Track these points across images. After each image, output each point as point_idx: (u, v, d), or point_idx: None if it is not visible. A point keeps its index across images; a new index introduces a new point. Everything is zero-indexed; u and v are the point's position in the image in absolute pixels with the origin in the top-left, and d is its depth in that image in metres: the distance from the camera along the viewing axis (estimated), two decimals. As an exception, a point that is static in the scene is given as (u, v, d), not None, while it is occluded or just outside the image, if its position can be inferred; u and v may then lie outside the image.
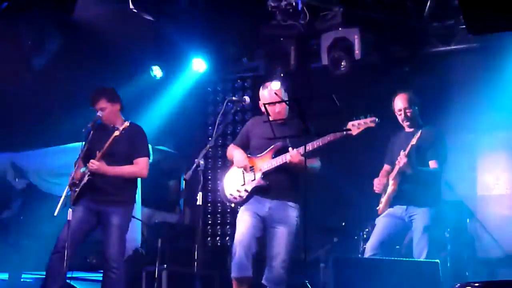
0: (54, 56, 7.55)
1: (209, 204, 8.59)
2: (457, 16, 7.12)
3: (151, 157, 7.96)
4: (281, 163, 5.37)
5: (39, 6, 7.11)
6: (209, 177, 8.57)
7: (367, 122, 5.28)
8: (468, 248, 6.76)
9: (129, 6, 6.81)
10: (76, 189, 5.59)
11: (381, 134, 6.22)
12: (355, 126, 5.27)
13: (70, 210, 5.39)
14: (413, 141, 5.59)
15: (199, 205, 5.21)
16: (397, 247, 6.42)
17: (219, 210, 8.57)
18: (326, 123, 5.28)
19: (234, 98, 5.76)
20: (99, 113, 5.72)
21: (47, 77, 7.68)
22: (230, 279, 5.43)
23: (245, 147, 5.65)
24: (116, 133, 5.53)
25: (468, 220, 6.75)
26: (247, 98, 5.66)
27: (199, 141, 8.33)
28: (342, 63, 7.29)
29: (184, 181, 5.13)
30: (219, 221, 8.57)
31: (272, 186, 5.41)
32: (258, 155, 5.51)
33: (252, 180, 5.46)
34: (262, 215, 5.42)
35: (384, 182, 5.77)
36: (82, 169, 5.66)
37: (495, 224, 7.08)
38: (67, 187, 5.54)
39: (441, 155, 5.74)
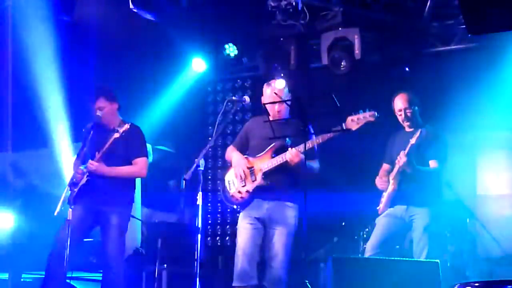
0: (54, 56, 7.55)
1: (209, 204, 8.59)
2: (457, 16, 7.12)
3: (151, 157, 7.98)
4: (280, 162, 5.36)
5: (39, 6, 7.11)
6: (209, 177, 8.57)
7: (366, 116, 5.27)
8: (468, 248, 6.76)
9: (129, 6, 6.81)
10: (75, 189, 5.59)
11: (381, 134, 6.23)
12: (354, 121, 5.27)
13: (70, 210, 5.38)
14: (413, 140, 5.59)
15: (199, 205, 5.22)
16: (397, 247, 6.42)
17: (219, 210, 8.57)
18: (326, 122, 5.28)
19: (234, 98, 5.75)
20: (98, 113, 5.72)
21: (48, 77, 7.68)
22: (230, 279, 5.43)
23: (244, 147, 5.65)
24: (116, 135, 5.53)
25: (468, 220, 6.76)
26: (247, 98, 5.65)
27: (199, 141, 8.32)
28: (342, 63, 7.29)
29: (184, 181, 5.13)
30: (219, 221, 8.57)
31: (272, 186, 5.41)
32: (257, 155, 5.51)
33: (253, 181, 5.46)
34: (260, 217, 5.42)
35: (386, 181, 5.77)
36: (82, 167, 5.65)
37: (495, 224, 7.08)
38: (67, 187, 5.54)
39: (441, 155, 5.75)
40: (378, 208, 5.82)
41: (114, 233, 5.60)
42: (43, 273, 5.70)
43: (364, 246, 6.07)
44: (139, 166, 5.75)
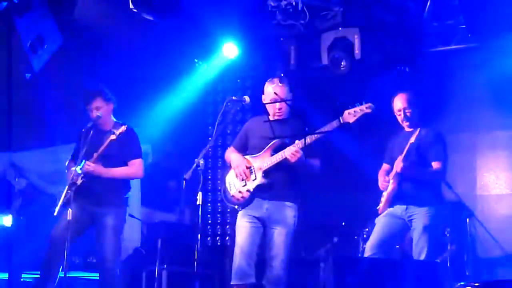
0: (54, 56, 7.55)
1: (209, 204, 8.59)
2: (457, 16, 7.12)
3: (150, 157, 7.99)
4: (280, 159, 5.36)
5: (39, 6, 7.11)
6: (209, 177, 8.57)
7: (363, 109, 5.28)
8: (468, 248, 6.76)
9: (129, 6, 6.81)
10: (69, 191, 5.57)
11: (381, 134, 6.23)
12: (351, 114, 5.27)
13: (69, 210, 5.38)
14: (412, 139, 5.60)
15: (199, 205, 5.22)
16: (397, 247, 6.42)
17: (219, 210, 8.57)
18: (324, 119, 5.29)
19: (234, 98, 5.74)
20: (99, 113, 5.71)
21: (47, 77, 7.68)
22: (230, 279, 5.43)
23: (244, 148, 5.64)
24: (113, 136, 5.54)
25: (468, 220, 6.75)
26: (247, 98, 5.65)
27: (199, 141, 8.32)
28: (342, 63, 7.29)
29: (184, 181, 5.14)
30: (219, 221, 8.57)
31: (273, 184, 5.41)
32: (257, 154, 5.51)
33: (253, 180, 5.46)
34: (260, 216, 5.42)
35: (386, 181, 5.77)
36: (77, 169, 5.63)
37: (495, 224, 7.08)
38: (67, 187, 5.53)
39: (442, 155, 5.75)
40: (378, 208, 5.81)
41: (109, 235, 5.60)
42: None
43: (364, 246, 6.07)
44: (135, 168, 5.78)
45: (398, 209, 5.74)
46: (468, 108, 7.44)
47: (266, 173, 5.42)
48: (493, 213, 7.30)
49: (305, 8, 7.11)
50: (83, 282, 7.56)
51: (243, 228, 5.44)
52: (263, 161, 5.44)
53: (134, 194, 6.41)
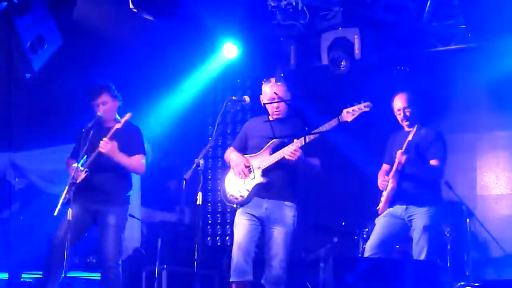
0: (54, 56, 7.55)
1: (209, 204, 8.59)
2: (457, 16, 7.12)
3: (151, 156, 7.97)
4: (279, 158, 5.36)
5: (39, 6, 7.11)
6: (209, 177, 8.57)
7: (361, 107, 5.30)
8: (468, 248, 6.76)
9: (129, 6, 6.81)
10: (72, 188, 5.57)
11: (382, 134, 6.23)
12: (350, 113, 5.29)
13: (70, 209, 5.38)
14: (410, 137, 5.61)
15: (199, 205, 5.22)
16: (397, 247, 6.42)
17: (219, 210, 8.57)
18: (323, 119, 5.29)
19: (234, 98, 5.75)
20: (99, 113, 5.72)
21: (47, 77, 7.68)
22: (229, 279, 5.43)
23: (244, 148, 5.65)
24: (118, 125, 5.54)
25: (468, 220, 6.75)
26: (247, 98, 5.65)
27: (199, 141, 8.32)
28: (342, 63, 7.29)
29: (184, 181, 5.14)
30: (219, 221, 8.57)
31: (271, 184, 5.41)
32: (256, 154, 5.51)
33: (252, 179, 5.46)
34: (259, 216, 5.42)
35: (386, 181, 5.78)
36: (79, 165, 5.63)
37: (495, 224, 7.08)
38: (67, 186, 5.53)
39: (441, 154, 5.75)
40: (377, 208, 5.81)
41: (112, 233, 5.60)
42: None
43: (364, 246, 6.07)
44: (138, 162, 5.77)
45: (398, 209, 5.74)
46: (468, 108, 7.44)
47: (265, 172, 5.42)
48: (493, 213, 7.30)
49: (305, 8, 7.11)
50: (83, 282, 7.57)
51: (241, 225, 5.45)
52: (262, 160, 5.45)
53: (134, 194, 6.39)
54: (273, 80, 5.58)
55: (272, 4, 7.09)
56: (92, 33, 7.32)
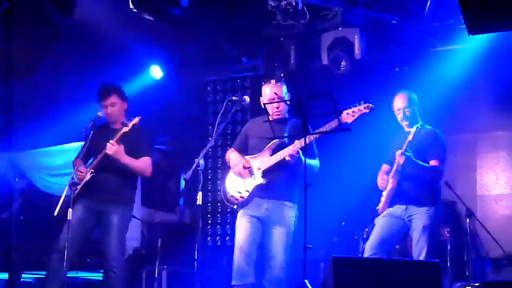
0: (54, 56, 7.55)
1: (209, 204, 8.58)
2: (457, 16, 7.11)
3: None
4: (279, 159, 5.37)
5: (39, 6, 7.10)
6: (209, 177, 8.56)
7: (361, 109, 5.30)
8: (468, 248, 6.76)
9: (129, 6, 6.81)
10: (77, 187, 5.59)
11: (382, 134, 6.23)
12: (350, 114, 5.29)
13: (70, 209, 5.38)
14: (410, 137, 5.61)
15: (199, 205, 5.22)
16: (397, 247, 6.42)
17: (219, 210, 8.56)
18: (324, 120, 5.29)
19: (234, 98, 5.76)
20: (99, 114, 5.72)
21: (47, 77, 7.68)
22: (230, 279, 5.43)
23: (244, 148, 5.65)
24: (125, 129, 5.55)
25: (468, 220, 6.75)
26: (247, 98, 5.67)
27: (199, 141, 8.32)
28: (342, 63, 7.29)
29: (184, 181, 5.14)
30: (219, 221, 8.57)
31: (271, 184, 5.41)
32: (256, 154, 5.52)
33: (252, 180, 5.46)
34: (259, 216, 5.42)
35: (385, 181, 5.78)
36: (86, 165, 5.66)
37: (495, 224, 7.08)
38: (67, 187, 5.53)
39: (440, 154, 5.75)
40: (377, 208, 5.82)
41: (115, 233, 5.61)
42: (43, 273, 5.70)
43: (364, 246, 6.08)
44: (145, 164, 5.76)
45: (398, 209, 5.75)
46: (468, 108, 7.43)
47: (265, 173, 5.43)
48: (493, 213, 7.30)
49: (305, 8, 7.10)
50: (83, 282, 7.57)
51: (242, 227, 5.45)
52: (262, 161, 5.45)
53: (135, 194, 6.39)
54: (272, 81, 5.60)
55: (272, 4, 7.08)
56: (92, 33, 7.32)
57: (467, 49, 7.29)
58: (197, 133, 8.69)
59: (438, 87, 7.19)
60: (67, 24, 6.99)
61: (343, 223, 7.39)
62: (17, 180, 8.29)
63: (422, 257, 5.53)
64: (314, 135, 5.29)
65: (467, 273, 6.66)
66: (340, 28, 7.21)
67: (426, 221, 5.61)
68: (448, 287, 6.11)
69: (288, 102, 5.49)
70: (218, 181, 8.28)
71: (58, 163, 8.24)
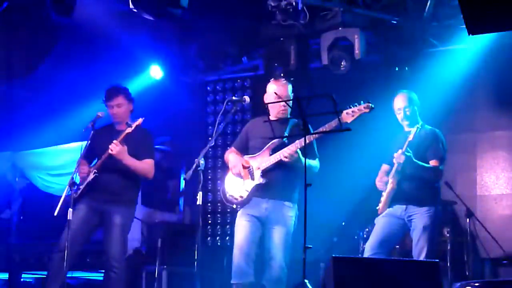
0: (54, 56, 7.55)
1: (209, 204, 8.59)
2: (457, 16, 7.11)
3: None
4: (278, 159, 5.37)
5: (39, 6, 7.10)
6: (209, 177, 8.57)
7: (361, 108, 5.30)
8: (468, 248, 6.76)
9: (129, 6, 6.81)
10: (80, 187, 5.60)
11: (382, 134, 6.23)
12: (350, 114, 5.29)
13: (70, 209, 5.39)
14: (410, 137, 5.61)
15: (199, 205, 5.22)
16: (397, 247, 6.42)
17: (219, 210, 8.56)
18: (324, 120, 5.29)
19: (234, 98, 5.76)
20: (99, 113, 5.73)
21: (47, 76, 7.68)
22: (230, 278, 5.44)
23: (244, 148, 5.65)
24: (129, 129, 5.56)
25: (468, 220, 6.75)
26: (247, 98, 5.67)
27: (199, 141, 8.32)
28: (342, 63, 7.29)
29: (184, 181, 5.13)
30: (219, 221, 8.57)
31: (271, 184, 5.41)
32: (255, 154, 5.52)
33: (252, 180, 5.46)
34: (259, 216, 5.42)
35: (385, 180, 5.78)
36: (89, 167, 5.67)
37: (495, 224, 7.07)
38: (67, 187, 5.54)
39: (440, 154, 5.75)
40: (377, 208, 5.82)
41: (117, 233, 5.62)
42: (44, 273, 5.71)
43: (364, 246, 6.08)
44: (148, 167, 5.78)
45: (398, 209, 5.75)
46: (468, 108, 7.43)
47: (264, 173, 5.42)
48: (493, 213, 7.29)
49: (305, 8, 7.10)
50: (83, 282, 7.57)
51: (241, 227, 5.45)
52: (262, 161, 5.45)
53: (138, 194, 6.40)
54: (279, 79, 5.61)
55: (272, 4, 7.08)
56: (92, 33, 7.32)
57: (467, 49, 7.29)
58: (197, 133, 8.69)
59: (438, 87, 7.19)
60: (67, 24, 6.99)
61: (343, 223, 7.38)
62: (17, 180, 8.30)
63: (422, 257, 5.53)
64: (314, 135, 5.29)
65: (467, 273, 6.66)
66: (340, 28, 7.20)
67: (426, 221, 5.61)
68: (448, 287, 6.11)
69: (288, 102, 5.48)
70: (218, 181, 8.29)
71: (58, 163, 8.25)
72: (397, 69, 7.46)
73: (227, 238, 8.37)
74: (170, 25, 7.61)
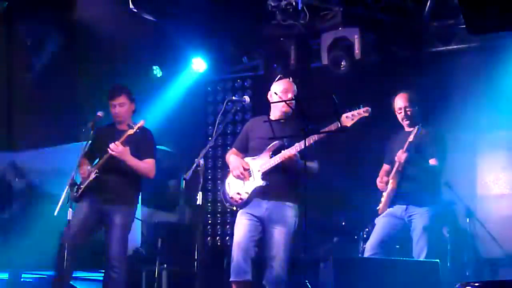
0: (54, 56, 7.55)
1: (209, 204, 8.59)
2: (457, 16, 7.11)
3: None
4: (278, 161, 5.36)
5: (39, 6, 7.11)
6: (209, 177, 8.57)
7: (360, 112, 5.28)
8: (468, 248, 6.76)
9: (129, 6, 6.81)
10: (81, 187, 5.61)
11: (382, 134, 6.23)
12: (349, 118, 5.27)
13: (70, 209, 5.39)
14: (411, 137, 5.61)
15: (199, 205, 5.21)
16: (397, 247, 6.42)
17: (219, 210, 8.56)
18: (324, 122, 5.29)
19: (234, 98, 5.76)
20: (99, 113, 5.73)
21: (47, 77, 7.68)
22: (229, 278, 5.43)
23: (245, 149, 5.65)
24: (130, 131, 5.56)
25: (468, 220, 6.75)
26: (247, 98, 5.66)
27: (199, 141, 8.32)
28: (342, 63, 7.29)
29: (184, 181, 5.14)
30: (219, 221, 8.57)
31: (271, 186, 5.40)
32: (256, 156, 5.51)
33: (252, 181, 5.46)
34: (259, 216, 5.41)
35: (386, 181, 5.78)
36: (90, 166, 5.67)
37: (495, 224, 7.07)
38: (67, 186, 5.54)
39: (440, 154, 5.76)
40: (378, 208, 5.82)
41: (118, 233, 5.63)
42: (44, 273, 5.71)
43: (364, 246, 6.08)
44: (149, 166, 5.78)
45: (398, 209, 5.75)
46: (468, 108, 7.43)
47: (265, 174, 5.42)
48: (493, 213, 7.29)
49: (305, 8, 7.10)
50: (83, 282, 7.56)
51: (241, 225, 5.44)
52: (262, 162, 5.44)
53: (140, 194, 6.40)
54: (285, 79, 5.61)
55: (272, 4, 7.08)
56: (92, 33, 7.32)
57: (467, 49, 7.29)
58: (197, 133, 8.69)
59: (438, 87, 7.19)
60: (67, 24, 7.00)
61: (343, 223, 7.38)
62: (17, 180, 8.29)
63: (422, 257, 5.53)
64: (315, 137, 5.28)
65: (467, 273, 6.66)
66: (340, 28, 7.21)
67: (426, 221, 5.61)
68: (448, 287, 6.10)
69: (287, 103, 5.47)
70: (218, 181, 8.29)
71: (58, 163, 8.23)
72: (397, 69, 7.46)
73: (227, 238, 8.37)
74: (170, 25, 7.61)
